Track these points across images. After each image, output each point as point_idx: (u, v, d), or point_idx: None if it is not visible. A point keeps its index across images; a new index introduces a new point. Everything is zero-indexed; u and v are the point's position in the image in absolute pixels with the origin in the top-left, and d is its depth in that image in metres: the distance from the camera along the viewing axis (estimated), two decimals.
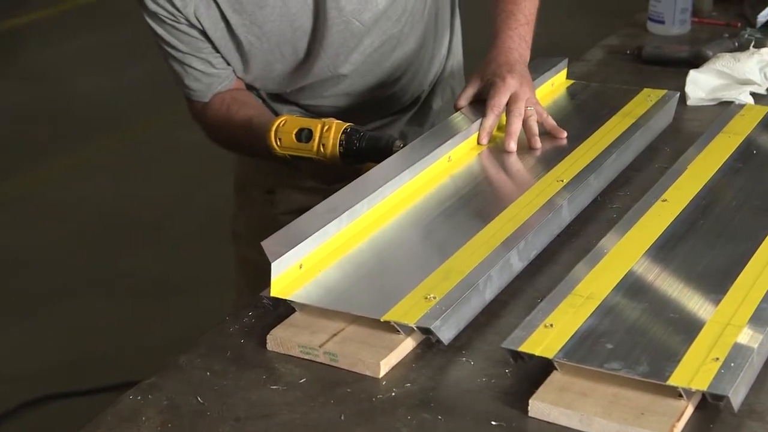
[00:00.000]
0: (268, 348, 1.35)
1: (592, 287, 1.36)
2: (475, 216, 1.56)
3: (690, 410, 1.18)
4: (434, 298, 1.33)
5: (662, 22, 2.56)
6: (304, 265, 1.41)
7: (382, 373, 1.28)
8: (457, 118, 1.80)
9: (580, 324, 1.28)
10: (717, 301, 1.31)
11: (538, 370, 1.25)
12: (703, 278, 1.38)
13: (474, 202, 1.61)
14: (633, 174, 1.78)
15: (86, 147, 5.18)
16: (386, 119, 2.09)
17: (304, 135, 1.74)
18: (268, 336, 1.35)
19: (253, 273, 2.05)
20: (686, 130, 1.97)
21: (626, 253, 1.44)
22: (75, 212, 4.50)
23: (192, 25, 1.83)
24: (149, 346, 3.39)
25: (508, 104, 1.76)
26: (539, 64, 1.99)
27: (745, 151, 1.77)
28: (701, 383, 1.16)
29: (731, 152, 1.76)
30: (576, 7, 6.46)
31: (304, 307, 1.38)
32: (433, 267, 1.41)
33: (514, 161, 1.73)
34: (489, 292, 1.41)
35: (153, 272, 4.04)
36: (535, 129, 1.77)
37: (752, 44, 2.30)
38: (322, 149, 1.72)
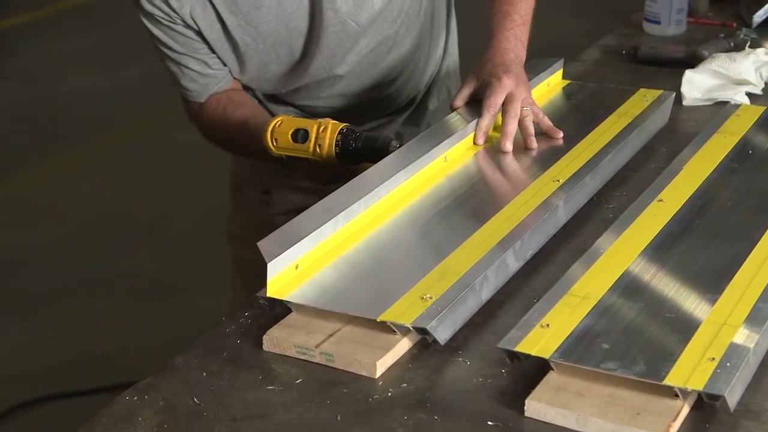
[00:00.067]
0: (264, 348, 1.35)
1: (588, 287, 1.36)
2: (471, 216, 1.56)
3: (686, 410, 1.18)
4: (430, 298, 1.33)
5: (658, 23, 2.56)
6: (301, 266, 1.41)
7: (378, 374, 1.29)
8: (453, 118, 1.80)
9: (576, 324, 1.28)
10: (713, 301, 1.31)
11: (535, 370, 1.25)
12: (699, 278, 1.38)
13: (470, 203, 1.61)
14: (629, 174, 1.78)
15: (82, 147, 5.17)
16: (382, 120, 2.09)
17: (300, 135, 1.74)
18: (265, 336, 1.35)
19: (249, 273, 2.05)
20: (682, 131, 1.97)
21: (622, 253, 1.44)
22: (71, 212, 4.50)
23: (188, 26, 1.83)
24: (147, 346, 3.39)
25: (503, 104, 1.76)
26: (535, 64, 1.99)
27: (741, 152, 1.77)
28: (697, 383, 1.16)
29: (727, 152, 1.76)
30: (572, 8, 6.46)
31: (301, 308, 1.38)
32: (429, 267, 1.41)
33: (510, 161, 1.73)
34: (485, 292, 1.41)
35: (150, 272, 4.04)
36: (531, 129, 1.77)
37: (748, 44, 2.30)
38: (318, 150, 1.72)
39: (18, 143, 5.24)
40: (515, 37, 1.86)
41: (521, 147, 1.76)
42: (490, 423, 1.20)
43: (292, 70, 1.93)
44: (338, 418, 1.22)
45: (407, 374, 1.29)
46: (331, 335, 1.33)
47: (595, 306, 1.32)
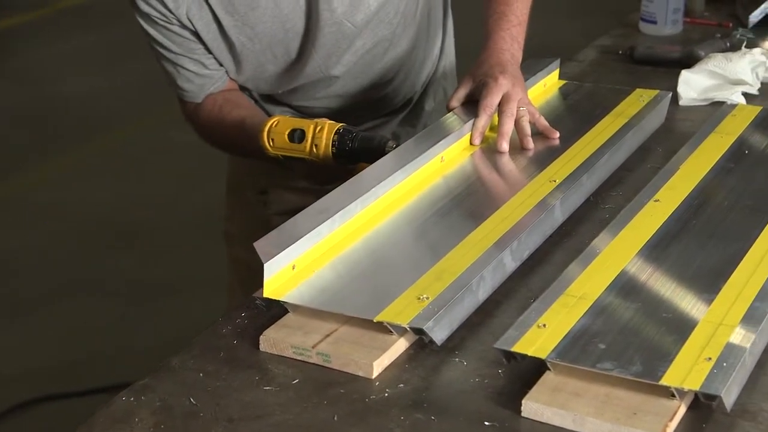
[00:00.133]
0: (261, 349, 1.35)
1: (584, 287, 1.36)
2: (468, 216, 1.56)
3: (683, 410, 1.18)
4: (427, 298, 1.33)
5: (654, 23, 2.56)
6: (297, 266, 1.41)
7: (375, 374, 1.28)
8: (450, 118, 1.80)
9: (573, 324, 1.28)
10: (709, 301, 1.32)
11: (531, 370, 1.25)
12: (696, 278, 1.38)
13: (467, 203, 1.61)
14: (625, 174, 1.79)
15: (81, 147, 5.17)
16: (378, 120, 2.09)
17: (297, 135, 1.74)
18: (261, 337, 1.35)
19: (246, 274, 2.04)
20: (678, 130, 1.97)
21: (619, 253, 1.44)
22: (69, 213, 4.50)
23: (184, 26, 1.83)
24: (143, 346, 3.39)
25: (499, 105, 1.76)
26: (531, 64, 1.99)
27: (737, 151, 1.77)
28: (694, 383, 1.16)
29: (723, 152, 1.76)
30: (568, 8, 6.47)
31: (297, 308, 1.38)
32: (425, 267, 1.41)
33: (507, 162, 1.73)
34: (482, 293, 1.41)
35: (147, 273, 4.04)
36: (528, 129, 1.77)
37: (744, 44, 2.31)
38: (314, 150, 1.72)
39: (16, 143, 5.24)
40: (511, 37, 1.86)
41: (518, 147, 1.76)
42: (486, 423, 1.20)
43: (289, 71, 1.92)
44: (335, 418, 1.22)
45: (404, 374, 1.29)
46: (327, 336, 1.33)
47: (591, 306, 1.32)
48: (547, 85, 2.03)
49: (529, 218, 1.53)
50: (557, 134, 1.79)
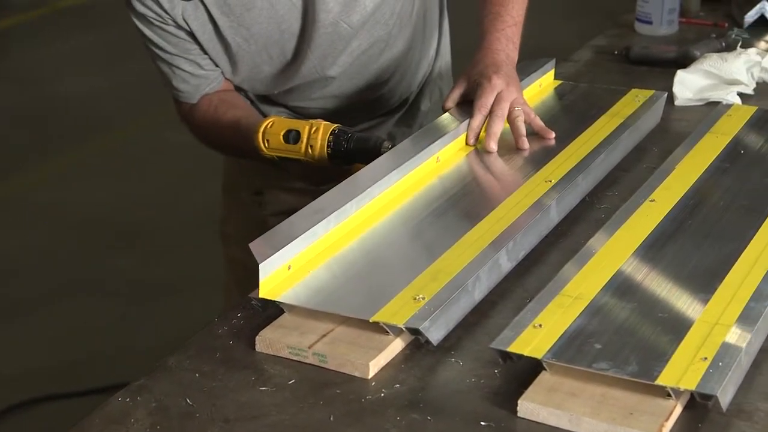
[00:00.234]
0: (257, 349, 1.35)
1: (580, 287, 1.36)
2: (464, 216, 1.56)
3: (678, 410, 1.18)
4: (423, 298, 1.33)
5: (650, 23, 2.56)
6: (293, 266, 1.41)
7: (371, 374, 1.28)
8: (445, 119, 1.80)
9: (569, 324, 1.28)
10: (705, 301, 1.32)
11: (527, 370, 1.25)
12: (691, 278, 1.38)
13: (462, 203, 1.61)
14: (621, 174, 1.79)
15: (79, 148, 5.18)
16: (374, 121, 2.09)
17: (292, 136, 1.74)
18: (257, 337, 1.35)
19: (242, 274, 2.05)
20: (674, 130, 1.98)
21: (614, 253, 1.44)
22: (67, 213, 4.50)
23: (180, 27, 1.83)
24: (140, 347, 3.39)
25: (492, 105, 1.76)
26: (527, 65, 1.99)
27: (733, 151, 1.78)
28: (690, 383, 1.16)
29: (719, 152, 1.76)
30: (564, 8, 6.47)
31: (293, 308, 1.38)
32: (421, 267, 1.41)
33: (503, 162, 1.73)
34: (478, 293, 1.41)
35: (144, 273, 4.04)
36: (523, 130, 1.77)
37: (739, 44, 2.31)
38: (310, 150, 1.72)
39: (16, 143, 5.24)
40: (506, 37, 1.86)
41: (513, 147, 1.76)
42: (483, 423, 1.20)
43: (284, 71, 1.92)
44: (331, 418, 1.22)
45: (400, 375, 1.29)
46: (323, 336, 1.33)
47: (587, 306, 1.32)
48: (543, 86, 2.03)
49: (525, 218, 1.53)
50: (553, 134, 1.79)
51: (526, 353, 1.24)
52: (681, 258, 1.43)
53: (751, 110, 1.95)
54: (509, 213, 1.55)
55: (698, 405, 1.19)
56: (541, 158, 1.73)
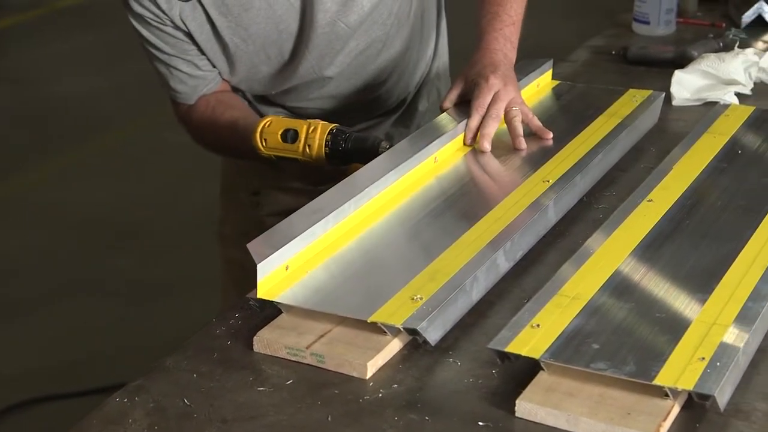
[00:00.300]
0: (254, 350, 1.35)
1: (578, 287, 1.36)
2: (462, 217, 1.56)
3: (676, 410, 1.19)
4: (421, 299, 1.33)
5: (647, 23, 2.56)
6: (291, 267, 1.41)
7: (369, 374, 1.28)
8: (443, 119, 1.80)
9: (567, 324, 1.28)
10: (703, 301, 1.32)
11: (525, 370, 1.25)
12: (689, 278, 1.38)
13: (460, 203, 1.61)
14: (619, 174, 1.79)
15: (78, 148, 5.17)
16: (372, 121, 2.09)
17: (290, 136, 1.74)
18: (255, 337, 1.35)
19: (239, 274, 2.04)
20: (671, 131, 1.98)
21: (612, 253, 1.44)
22: (67, 213, 4.50)
23: (177, 27, 1.83)
24: (144, 347, 3.38)
25: (488, 105, 1.76)
26: (525, 65, 1.99)
27: (730, 151, 1.78)
28: (687, 383, 1.16)
29: (716, 152, 1.76)
30: (561, 8, 6.47)
31: (291, 309, 1.38)
32: (419, 268, 1.41)
33: (500, 162, 1.74)
34: (475, 293, 1.41)
35: (142, 273, 4.04)
36: (520, 130, 1.77)
37: (737, 44, 2.31)
38: (307, 150, 1.72)
39: (15, 143, 5.24)
40: (504, 37, 1.86)
41: (511, 147, 1.76)
42: (480, 423, 1.20)
43: (282, 72, 1.92)
44: (329, 419, 1.22)
45: (398, 375, 1.29)
46: (321, 336, 1.33)
47: (585, 306, 1.32)
48: (541, 86, 2.03)
49: (523, 218, 1.53)
50: (550, 134, 1.79)
51: (523, 353, 1.24)
52: (679, 258, 1.43)
53: (748, 110, 1.95)
54: (507, 213, 1.55)
55: (696, 405, 1.19)
56: (538, 158, 1.73)
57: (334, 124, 1.73)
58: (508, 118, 1.77)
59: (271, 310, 1.39)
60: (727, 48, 2.31)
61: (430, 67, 2.15)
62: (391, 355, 1.32)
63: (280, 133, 1.74)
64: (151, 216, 4.45)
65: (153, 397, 1.27)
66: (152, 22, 1.82)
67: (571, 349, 1.24)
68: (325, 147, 1.71)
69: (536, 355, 1.23)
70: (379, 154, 1.68)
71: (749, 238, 1.47)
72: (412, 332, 1.30)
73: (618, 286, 1.37)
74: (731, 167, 1.72)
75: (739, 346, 1.22)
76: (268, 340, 1.34)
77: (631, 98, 1.96)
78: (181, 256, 4.11)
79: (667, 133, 1.96)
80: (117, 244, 4.25)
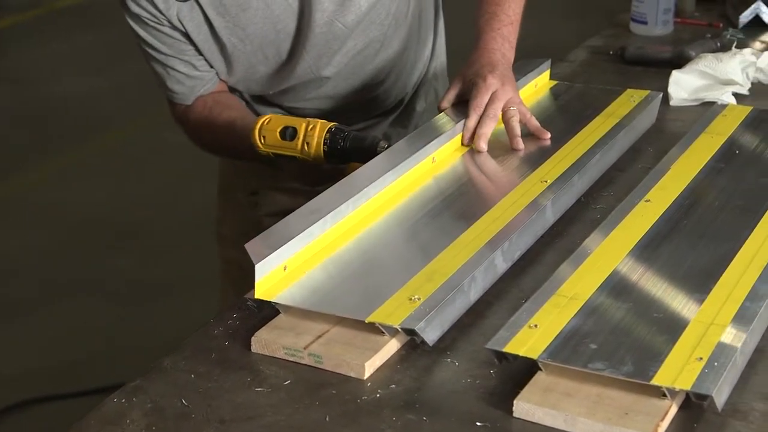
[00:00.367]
0: (252, 350, 1.35)
1: (576, 287, 1.36)
2: (460, 217, 1.56)
3: (674, 410, 1.19)
4: (419, 299, 1.33)
5: (645, 23, 2.56)
6: (289, 267, 1.41)
7: (366, 375, 1.29)
8: (441, 119, 1.80)
9: (565, 324, 1.28)
10: (700, 301, 1.32)
11: (523, 370, 1.25)
12: (687, 278, 1.38)
13: (458, 203, 1.61)
14: (616, 174, 1.79)
15: (78, 148, 5.17)
16: (370, 121, 2.09)
17: (289, 133, 1.74)
18: (253, 338, 1.35)
19: (237, 274, 2.04)
20: (669, 131, 1.98)
21: (610, 253, 1.45)
22: (67, 213, 4.50)
23: (174, 27, 1.83)
24: (144, 347, 3.38)
25: (486, 105, 1.76)
26: (522, 65, 1.99)
27: (728, 152, 1.78)
28: (685, 383, 1.16)
29: (714, 152, 1.76)
30: (559, 9, 6.47)
31: (289, 309, 1.38)
32: (417, 268, 1.41)
33: (498, 162, 1.74)
34: (473, 293, 1.41)
35: (140, 274, 4.04)
36: (518, 130, 1.76)
37: (734, 45, 2.31)
38: (306, 148, 1.72)
39: (15, 143, 5.24)
40: (502, 37, 1.86)
41: (509, 148, 1.76)
42: (478, 424, 1.20)
43: (280, 72, 1.92)
44: (327, 419, 1.22)
45: (396, 375, 1.29)
46: (319, 336, 1.33)
47: (583, 306, 1.32)
48: (538, 86, 2.03)
49: (521, 219, 1.53)
50: (548, 135, 1.79)
51: (521, 353, 1.24)
52: (676, 258, 1.43)
53: (746, 110, 1.95)
54: (505, 213, 1.55)
55: (694, 405, 1.19)
56: (536, 158, 1.73)
57: (333, 123, 1.73)
58: (505, 118, 1.77)
59: (269, 311, 1.39)
60: (725, 48, 2.31)
61: (428, 67, 2.15)
62: (389, 356, 1.32)
63: (278, 130, 1.74)
64: (150, 216, 4.45)
65: (151, 398, 1.27)
66: (149, 22, 1.82)
67: (569, 349, 1.24)
68: (324, 145, 1.71)
69: (534, 356, 1.23)
70: (378, 154, 1.68)
71: (747, 238, 1.47)
72: (410, 332, 1.30)
73: (616, 287, 1.37)
74: (729, 167, 1.72)
75: (736, 346, 1.22)
76: (266, 341, 1.34)
77: (629, 98, 1.96)
78: (181, 257, 4.11)
79: (665, 133, 1.96)
80: (117, 244, 4.25)
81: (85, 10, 7.17)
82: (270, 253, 1.38)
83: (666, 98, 2.07)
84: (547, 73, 2.07)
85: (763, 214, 1.54)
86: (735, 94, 2.09)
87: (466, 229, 1.51)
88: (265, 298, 1.37)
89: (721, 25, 2.57)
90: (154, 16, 1.81)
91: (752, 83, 2.15)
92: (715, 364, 1.19)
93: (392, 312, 1.31)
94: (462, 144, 1.78)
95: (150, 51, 1.87)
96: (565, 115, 1.94)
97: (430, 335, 1.32)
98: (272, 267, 1.38)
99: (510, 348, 1.25)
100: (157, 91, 1.98)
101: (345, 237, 1.50)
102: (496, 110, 1.75)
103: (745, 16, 2.55)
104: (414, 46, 2.06)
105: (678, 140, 1.82)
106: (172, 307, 3.76)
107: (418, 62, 2.11)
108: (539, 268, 1.50)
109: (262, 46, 1.87)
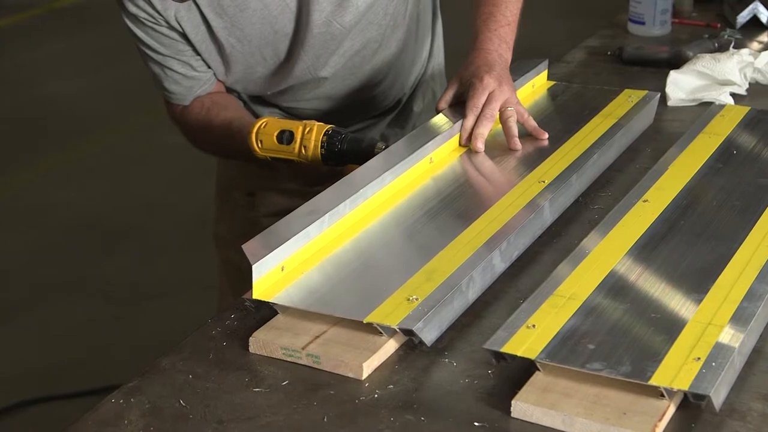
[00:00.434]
0: (250, 350, 1.35)
1: (574, 288, 1.36)
2: (458, 217, 1.56)
3: (672, 410, 1.19)
4: (416, 299, 1.33)
5: (643, 23, 2.57)
6: (286, 267, 1.41)
7: (364, 375, 1.29)
8: (439, 120, 1.80)
9: (563, 324, 1.28)
10: (698, 301, 1.32)
11: (521, 370, 1.25)
12: (685, 278, 1.38)
13: (456, 204, 1.61)
14: (614, 174, 1.79)
15: (72, 149, 5.17)
16: (367, 122, 2.09)
17: (286, 137, 1.74)
18: (251, 338, 1.35)
19: (235, 275, 2.05)
20: (667, 131, 1.98)
21: (608, 253, 1.45)
22: (61, 214, 4.49)
23: (172, 28, 1.83)
24: (140, 348, 3.39)
25: (483, 105, 1.76)
26: (520, 65, 2.00)
27: (726, 152, 1.78)
28: (683, 383, 1.17)
29: (712, 152, 1.76)
30: (557, 9, 6.47)
31: (287, 310, 1.38)
32: (415, 268, 1.41)
33: (496, 163, 1.74)
34: (471, 293, 1.41)
35: (138, 275, 4.04)
36: (515, 130, 1.76)
37: (732, 45, 2.31)
38: (303, 151, 1.72)
39: (7, 145, 5.23)
40: (499, 37, 1.86)
41: (506, 148, 1.76)
42: (476, 424, 1.20)
43: (277, 72, 1.92)
44: (325, 419, 1.22)
45: (394, 375, 1.29)
46: (317, 337, 1.33)
47: (581, 306, 1.32)
48: (536, 86, 2.03)
49: (519, 219, 1.53)
50: (546, 135, 1.79)
51: (519, 354, 1.24)
52: (674, 258, 1.43)
53: (743, 110, 1.95)
54: (503, 213, 1.55)
55: (691, 405, 1.19)
56: (534, 159, 1.73)
57: (330, 125, 1.73)
58: (503, 119, 1.77)
59: (266, 311, 1.39)
60: (723, 48, 2.31)
61: (426, 67, 2.15)
62: (387, 356, 1.32)
63: (275, 134, 1.74)
64: (148, 216, 4.45)
65: (149, 398, 1.27)
66: (147, 22, 1.82)
67: (567, 349, 1.24)
68: (321, 148, 1.71)
69: (532, 356, 1.23)
70: (375, 155, 1.68)
71: (744, 239, 1.47)
72: (408, 333, 1.30)
73: (614, 287, 1.37)
74: (726, 167, 1.72)
75: (734, 347, 1.22)
76: (263, 341, 1.34)
77: (627, 99, 1.96)
78: (178, 257, 4.11)
79: (663, 133, 1.97)
80: (114, 245, 4.26)
81: (83, 10, 7.17)
82: (267, 254, 1.38)
83: (664, 98, 2.08)
84: (545, 73, 2.07)
85: (761, 214, 1.54)
86: (733, 95, 2.10)
87: (464, 229, 1.51)
88: (262, 299, 1.37)
89: (719, 25, 2.57)
90: (152, 16, 1.81)
91: (750, 83, 2.15)
92: (713, 364, 1.19)
93: (390, 312, 1.31)
94: (459, 144, 1.78)
95: (147, 51, 1.87)
96: (563, 115, 1.94)
97: (428, 335, 1.32)
98: (270, 267, 1.38)
99: (508, 348, 1.25)
100: (154, 92, 1.98)
101: (343, 237, 1.50)
102: (494, 110, 1.75)
103: (743, 17, 2.55)
104: (412, 46, 2.06)
105: (676, 140, 1.82)
106: (169, 307, 3.76)
107: (415, 63, 2.11)
108: (537, 268, 1.50)
109: (260, 47, 1.87)
